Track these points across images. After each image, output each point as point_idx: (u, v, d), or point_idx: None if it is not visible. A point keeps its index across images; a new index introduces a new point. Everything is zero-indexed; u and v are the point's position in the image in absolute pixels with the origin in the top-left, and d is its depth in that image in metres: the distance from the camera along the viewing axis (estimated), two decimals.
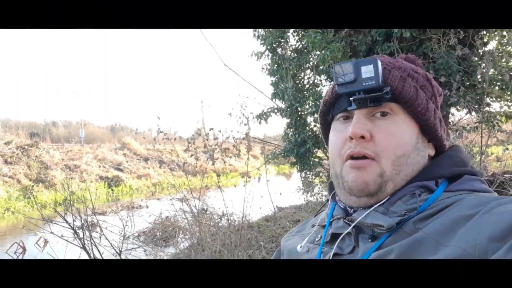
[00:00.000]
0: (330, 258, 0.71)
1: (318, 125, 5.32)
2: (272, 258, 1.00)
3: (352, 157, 0.71)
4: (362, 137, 0.69)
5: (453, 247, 0.55)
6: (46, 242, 6.28)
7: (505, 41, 4.71)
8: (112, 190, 15.12)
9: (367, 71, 0.68)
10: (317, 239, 0.79)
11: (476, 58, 4.59)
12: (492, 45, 4.80)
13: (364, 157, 0.70)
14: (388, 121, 0.71)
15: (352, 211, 0.75)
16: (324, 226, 0.79)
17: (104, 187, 14.90)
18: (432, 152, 0.76)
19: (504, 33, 4.72)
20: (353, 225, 0.70)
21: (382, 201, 0.70)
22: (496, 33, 4.72)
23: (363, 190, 0.70)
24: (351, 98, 0.70)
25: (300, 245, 0.80)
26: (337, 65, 0.70)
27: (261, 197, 4.73)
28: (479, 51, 4.54)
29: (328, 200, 0.86)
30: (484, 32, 4.66)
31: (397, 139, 0.70)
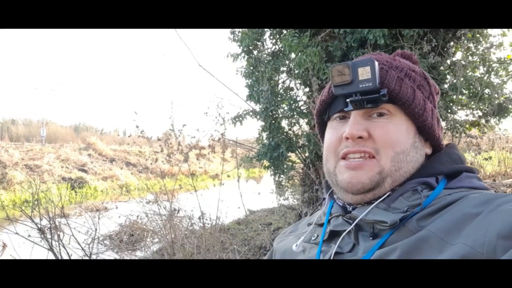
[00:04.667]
0: (331, 257, 0.70)
1: (293, 128, 5.38)
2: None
3: (348, 156, 0.71)
4: (360, 137, 0.69)
5: (460, 245, 0.54)
6: (4, 246, 5.94)
7: (471, 52, 4.93)
8: (76, 191, 14.56)
9: (364, 72, 0.67)
10: (313, 238, 0.77)
11: (441, 68, 4.77)
12: (459, 55, 5.01)
13: (360, 156, 0.70)
14: (385, 120, 0.71)
15: (351, 208, 0.73)
16: (321, 225, 0.78)
17: (67, 189, 14.31)
18: (429, 151, 0.76)
19: (470, 44, 4.94)
20: (354, 223, 0.68)
21: (382, 197, 0.69)
22: (462, 44, 4.94)
23: (359, 190, 0.69)
24: (348, 100, 0.70)
25: (295, 244, 0.78)
26: (333, 66, 0.70)
27: (240, 195, 4.67)
28: (447, 61, 4.73)
29: (324, 198, 0.85)
30: (452, 43, 4.86)
31: (395, 135, 0.70)
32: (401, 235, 0.62)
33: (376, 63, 0.68)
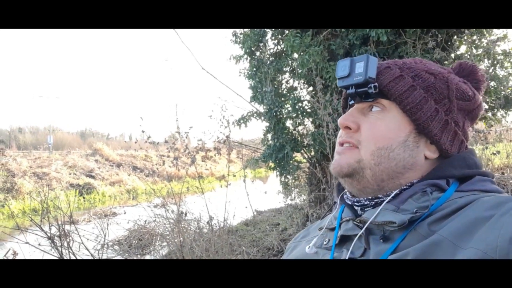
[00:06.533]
0: None
1: (297, 128, 5.36)
2: None
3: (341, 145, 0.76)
4: (348, 127, 0.74)
5: (473, 249, 0.54)
6: (15, 253, 6.00)
7: (475, 45, 4.88)
8: (84, 197, 14.64)
9: (359, 67, 0.72)
10: (325, 243, 0.77)
11: (446, 62, 4.74)
12: (462, 49, 4.97)
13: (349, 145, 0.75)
14: (377, 115, 0.73)
15: (359, 208, 0.74)
16: (332, 229, 0.78)
17: (75, 195, 14.39)
18: (430, 154, 0.73)
19: (474, 37, 4.90)
20: (364, 227, 0.68)
21: (389, 197, 0.69)
22: (466, 38, 4.90)
23: (338, 172, 0.74)
24: (347, 92, 0.76)
25: (308, 246, 0.79)
26: (339, 61, 0.75)
27: (247, 195, 4.67)
28: (452, 55, 4.69)
29: (335, 202, 0.85)
30: (456, 37, 4.83)
31: (380, 131, 0.72)
32: (413, 240, 0.62)
33: (375, 59, 0.71)
